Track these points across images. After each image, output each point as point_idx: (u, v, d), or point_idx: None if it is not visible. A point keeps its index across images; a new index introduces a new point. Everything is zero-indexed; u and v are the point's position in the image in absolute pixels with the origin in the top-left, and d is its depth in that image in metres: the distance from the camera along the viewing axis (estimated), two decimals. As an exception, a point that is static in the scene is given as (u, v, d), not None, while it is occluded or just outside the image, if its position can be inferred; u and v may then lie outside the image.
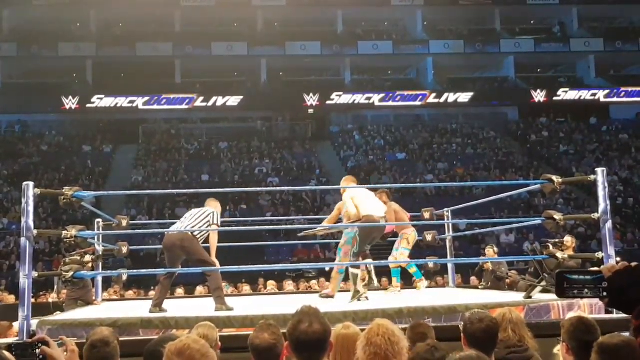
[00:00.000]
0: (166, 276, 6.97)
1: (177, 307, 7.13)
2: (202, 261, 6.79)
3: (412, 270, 8.93)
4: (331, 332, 2.95)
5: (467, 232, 11.94)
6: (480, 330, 3.46)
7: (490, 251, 11.01)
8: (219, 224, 7.06)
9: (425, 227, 9.57)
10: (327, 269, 16.32)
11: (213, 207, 7.23)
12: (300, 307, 2.96)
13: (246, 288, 13.37)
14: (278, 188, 24.29)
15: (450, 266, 10.25)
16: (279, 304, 7.73)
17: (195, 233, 6.90)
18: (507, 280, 10.96)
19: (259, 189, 24.74)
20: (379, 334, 3.01)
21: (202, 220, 6.96)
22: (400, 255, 8.77)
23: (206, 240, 6.92)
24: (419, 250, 21.29)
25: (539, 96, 33.61)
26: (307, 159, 29.17)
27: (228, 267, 7.90)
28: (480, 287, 10.80)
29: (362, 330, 3.25)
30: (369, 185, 22.00)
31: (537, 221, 7.34)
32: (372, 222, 7.58)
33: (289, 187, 23.09)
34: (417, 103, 33.18)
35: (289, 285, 12.88)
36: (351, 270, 7.57)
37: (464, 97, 33.32)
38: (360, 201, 7.75)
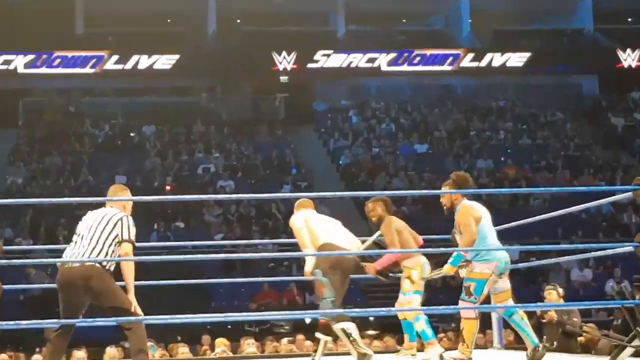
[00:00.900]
0: (59, 331, 6.92)
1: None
2: (118, 308, 6.74)
3: (419, 326, 8.81)
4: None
5: (520, 265, 11.94)
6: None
7: (554, 294, 11.02)
8: (134, 239, 7.04)
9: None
10: (307, 320, 16.29)
11: (120, 208, 7.21)
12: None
13: (183, 350, 13.31)
14: (234, 196, 24.21)
15: (495, 316, 10.24)
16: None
17: (104, 263, 6.86)
18: (581, 338, 10.97)
19: (204, 197, 24.65)
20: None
21: (109, 236, 6.93)
22: (408, 303, 8.80)
23: (117, 269, 6.91)
24: (447, 292, 21.39)
25: (629, 59, 33.74)
26: (278, 152, 29.11)
27: (156, 317, 7.84)
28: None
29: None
30: (351, 193, 21.96)
31: (628, 248, 7.34)
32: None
33: (250, 194, 23.01)
34: (446, 68, 33.15)
35: (248, 345, 12.84)
36: (336, 326, 7.76)
37: (517, 59, 33.35)
38: (316, 225, 8.19)
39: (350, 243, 8.32)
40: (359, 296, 20.73)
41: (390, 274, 8.93)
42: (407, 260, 8.82)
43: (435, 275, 8.87)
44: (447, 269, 8.47)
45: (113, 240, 6.93)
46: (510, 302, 7.96)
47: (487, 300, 8.43)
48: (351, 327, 7.83)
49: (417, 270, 8.79)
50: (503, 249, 8.26)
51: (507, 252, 8.22)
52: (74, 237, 7.14)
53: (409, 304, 8.73)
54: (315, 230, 8.25)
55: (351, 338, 7.87)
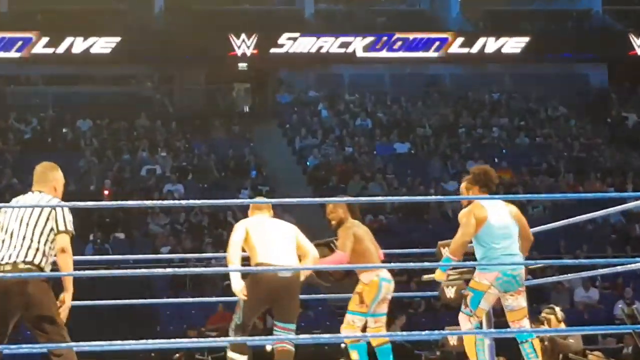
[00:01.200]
0: None
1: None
2: (50, 327, 6.73)
3: (354, 355, 8.89)
4: None
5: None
6: None
7: (552, 320, 11.06)
8: (71, 229, 7.03)
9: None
10: (267, 347, 16.28)
11: (51, 191, 7.21)
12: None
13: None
14: (183, 202, 24.15)
15: (487, 342, 10.27)
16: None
17: (43, 262, 6.86)
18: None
19: (148, 203, 24.54)
20: None
21: (43, 230, 6.91)
22: (348, 324, 8.93)
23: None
24: (433, 314, 21.42)
25: (644, 45, 33.95)
26: (235, 152, 29.09)
27: (90, 343, 7.81)
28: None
29: None
30: (320, 200, 21.96)
31: (640, 264, 7.39)
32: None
33: (202, 201, 22.96)
34: (432, 54, 33.25)
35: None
36: (229, 355, 8.10)
37: (514, 44, 33.49)
38: (257, 241, 8.33)
39: (289, 259, 8.37)
40: (328, 319, 20.75)
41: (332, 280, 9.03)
42: (364, 274, 8.91)
43: (426, 279, 8.97)
44: (438, 275, 8.54)
45: (49, 235, 6.91)
46: (526, 324, 7.95)
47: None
48: None
49: (370, 290, 8.88)
50: (507, 266, 8.12)
51: (519, 265, 8.12)
52: (1, 235, 7.08)
53: (350, 325, 8.81)
54: (256, 247, 8.36)
55: None
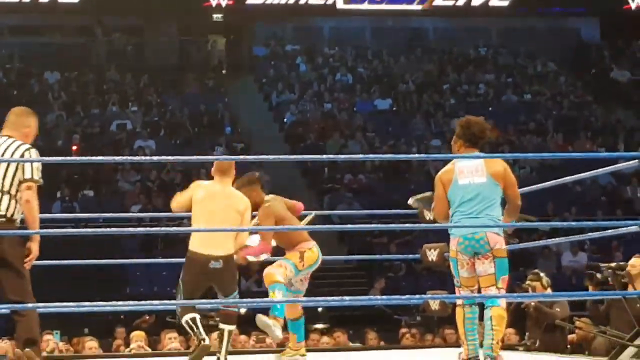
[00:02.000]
0: None
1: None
2: (18, 284, 6.77)
3: (273, 294, 8.81)
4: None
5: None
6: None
7: (537, 285, 11.09)
8: (39, 178, 7.05)
9: (425, 237, 9.64)
10: (242, 310, 16.34)
11: (22, 137, 7.25)
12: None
13: (91, 345, 13.32)
14: (155, 158, 24.13)
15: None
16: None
17: (10, 212, 6.88)
18: (573, 335, 11.10)
19: (118, 159, 24.55)
20: None
21: (13, 180, 6.95)
22: (277, 266, 8.89)
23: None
24: (414, 278, 21.51)
25: (637, -1, 33.98)
26: (208, 107, 29.08)
27: (57, 304, 7.83)
28: (520, 348, 10.92)
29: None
30: (297, 157, 21.90)
31: (632, 227, 7.42)
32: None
33: (174, 157, 22.98)
34: (415, 7, 33.23)
35: (170, 340, 12.87)
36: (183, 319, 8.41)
37: (502, -3, 33.51)
38: (199, 216, 8.62)
39: (225, 248, 8.53)
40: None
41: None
42: (304, 243, 9.01)
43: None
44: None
45: (18, 185, 6.93)
46: (492, 290, 7.88)
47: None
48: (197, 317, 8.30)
49: (312, 256, 8.99)
50: (462, 226, 7.96)
51: (482, 228, 7.83)
52: None
53: (280, 266, 8.82)
54: (195, 224, 8.58)
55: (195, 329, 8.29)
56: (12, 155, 6.99)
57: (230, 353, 8.93)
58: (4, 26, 32.25)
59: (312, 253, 8.96)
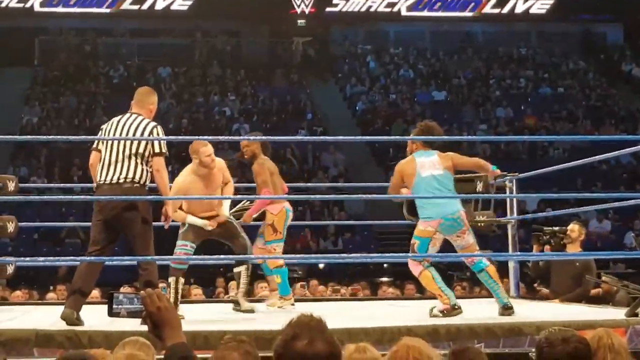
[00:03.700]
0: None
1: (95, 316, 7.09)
2: (144, 242, 6.87)
3: (279, 279, 8.78)
4: (341, 355, 2.95)
5: (538, 214, 11.96)
6: (564, 355, 3.46)
7: (576, 229, 10.44)
8: (166, 151, 7.07)
9: (475, 204, 9.57)
10: (320, 265, 16.39)
11: (147, 113, 7.25)
12: (296, 316, 2.95)
13: (197, 292, 13.40)
14: (250, 138, 24.23)
15: (512, 265, 10.26)
16: (249, 315, 7.77)
17: (136, 177, 6.87)
18: (598, 289, 10.96)
19: (219, 138, 24.62)
20: (409, 360, 3.02)
21: (141, 153, 6.92)
22: (269, 252, 8.77)
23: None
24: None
25: (656, 8, 33.50)
26: (293, 97, 29.12)
27: (172, 257, 7.89)
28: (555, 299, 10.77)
29: (383, 355, 3.27)
30: (366, 138, 21.83)
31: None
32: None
33: (266, 137, 23.03)
34: (467, 14, 33.04)
35: (262, 288, 12.88)
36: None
37: (540, 5, 33.21)
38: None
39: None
40: (372, 243, 20.81)
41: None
42: (272, 205, 8.75)
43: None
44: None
45: (149, 157, 6.95)
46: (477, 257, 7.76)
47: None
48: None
49: (280, 218, 8.76)
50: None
51: (457, 209, 7.76)
52: (105, 154, 7.07)
53: (271, 252, 8.67)
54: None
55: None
56: (142, 131, 6.98)
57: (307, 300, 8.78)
58: (126, 29, 32.50)
59: (279, 216, 8.74)
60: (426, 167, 7.80)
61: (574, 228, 9.80)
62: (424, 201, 7.78)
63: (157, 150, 6.96)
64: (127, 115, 7.24)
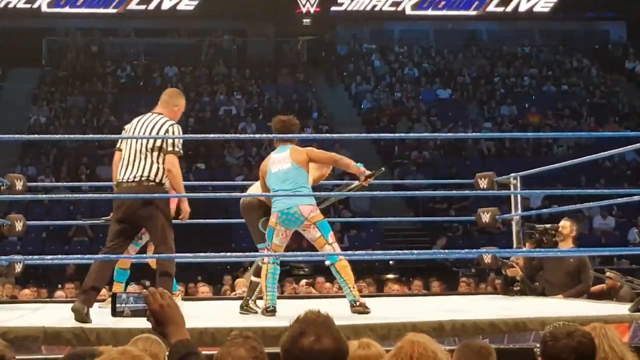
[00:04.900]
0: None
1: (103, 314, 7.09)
2: (162, 237, 6.94)
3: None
4: (348, 351, 2.96)
5: (542, 210, 11.97)
6: (568, 349, 3.46)
7: (567, 226, 10.28)
8: (180, 149, 7.07)
9: (479, 202, 9.59)
10: (327, 262, 16.34)
11: (171, 114, 7.24)
12: (303, 313, 2.96)
13: (204, 289, 13.40)
14: (257, 136, 24.24)
15: (517, 261, 10.25)
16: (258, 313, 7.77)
17: (152, 176, 6.90)
18: (602, 285, 10.96)
19: (225, 136, 24.70)
20: (414, 356, 3.02)
21: (156, 151, 6.97)
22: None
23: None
24: (469, 237, 21.43)
25: (659, 5, 33.44)
26: (299, 96, 29.13)
27: (180, 254, 7.88)
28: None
29: (387, 351, 3.27)
30: (371, 135, 21.87)
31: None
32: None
33: (272, 135, 23.04)
34: (471, 12, 33.02)
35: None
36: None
37: (544, 4, 33.17)
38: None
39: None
40: (378, 240, 20.81)
41: None
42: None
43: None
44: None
45: (164, 156, 6.99)
46: (327, 249, 7.68)
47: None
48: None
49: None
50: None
51: (293, 203, 7.64)
52: (125, 153, 7.14)
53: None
54: None
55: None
56: (158, 130, 7.02)
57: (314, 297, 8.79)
58: (131, 29, 32.54)
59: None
60: (276, 163, 7.79)
61: (565, 225, 9.73)
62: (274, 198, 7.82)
63: (169, 148, 6.98)
64: (148, 114, 7.29)
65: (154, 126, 7.09)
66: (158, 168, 6.97)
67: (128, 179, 7.02)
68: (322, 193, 7.98)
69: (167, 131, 7.01)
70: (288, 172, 7.70)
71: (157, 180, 6.95)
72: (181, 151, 7.06)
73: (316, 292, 12.96)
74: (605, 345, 4.03)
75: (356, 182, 8.11)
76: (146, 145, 7.01)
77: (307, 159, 7.75)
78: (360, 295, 7.70)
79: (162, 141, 6.99)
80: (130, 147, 7.10)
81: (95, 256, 6.98)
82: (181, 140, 7.09)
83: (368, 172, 7.83)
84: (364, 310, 7.30)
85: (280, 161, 7.77)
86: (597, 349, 3.89)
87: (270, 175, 7.79)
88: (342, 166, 7.96)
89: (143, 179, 6.97)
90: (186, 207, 7.20)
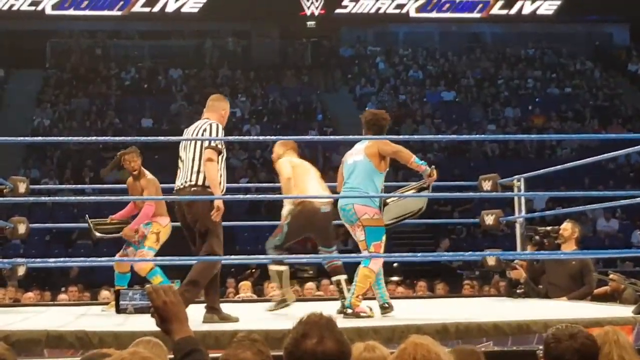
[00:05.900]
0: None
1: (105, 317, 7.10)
2: (212, 236, 7.10)
3: (157, 280, 8.53)
4: (350, 353, 2.97)
5: (546, 212, 11.94)
6: (571, 351, 3.45)
7: (569, 227, 10.26)
8: (220, 145, 7.14)
9: (483, 205, 9.57)
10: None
11: (217, 117, 7.35)
12: (306, 315, 2.97)
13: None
14: (261, 138, 24.24)
15: (520, 263, 10.25)
16: (259, 315, 7.76)
17: (194, 180, 7.02)
18: (606, 287, 10.94)
19: (229, 138, 24.66)
20: (417, 358, 3.03)
21: (198, 151, 7.08)
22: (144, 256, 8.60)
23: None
24: (472, 239, 21.41)
25: (662, 8, 33.45)
26: (303, 98, 29.15)
27: (179, 257, 7.88)
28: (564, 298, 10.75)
29: (392, 353, 3.27)
30: (376, 137, 21.81)
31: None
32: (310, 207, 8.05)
33: (276, 136, 23.02)
34: (475, 15, 33.05)
35: (272, 289, 12.89)
36: (273, 267, 8.17)
37: (547, 6, 33.22)
38: (302, 176, 8.36)
39: (324, 193, 8.45)
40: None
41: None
42: (160, 217, 8.69)
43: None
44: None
45: (199, 153, 7.13)
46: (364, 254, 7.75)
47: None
48: (285, 269, 8.22)
49: (164, 232, 8.73)
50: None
51: (348, 202, 7.76)
52: (179, 161, 7.34)
53: (143, 269, 8.57)
54: (303, 181, 8.34)
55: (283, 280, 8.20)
56: (202, 133, 7.14)
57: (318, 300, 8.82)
58: (136, 31, 32.58)
59: (166, 229, 8.74)
60: (352, 154, 8.03)
61: (566, 227, 9.73)
62: None
63: (206, 144, 7.10)
64: (198, 121, 7.44)
65: (199, 130, 7.26)
66: (202, 172, 7.13)
67: (178, 186, 7.28)
68: (382, 195, 7.97)
69: (204, 130, 7.17)
70: (357, 165, 7.87)
71: (199, 185, 7.12)
72: (219, 146, 7.12)
73: (321, 294, 12.97)
74: (615, 354, 4.01)
75: (413, 184, 8.27)
76: (193, 150, 7.17)
77: (377, 152, 7.90)
78: (362, 298, 7.68)
79: (202, 142, 7.13)
80: (181, 154, 7.34)
81: (99, 259, 6.99)
82: (221, 139, 7.25)
83: (429, 170, 7.99)
84: (353, 316, 7.31)
85: (356, 153, 7.97)
86: (604, 355, 3.89)
87: (345, 166, 7.98)
88: (402, 159, 8.03)
89: (187, 185, 7.16)
90: (219, 205, 7.16)
